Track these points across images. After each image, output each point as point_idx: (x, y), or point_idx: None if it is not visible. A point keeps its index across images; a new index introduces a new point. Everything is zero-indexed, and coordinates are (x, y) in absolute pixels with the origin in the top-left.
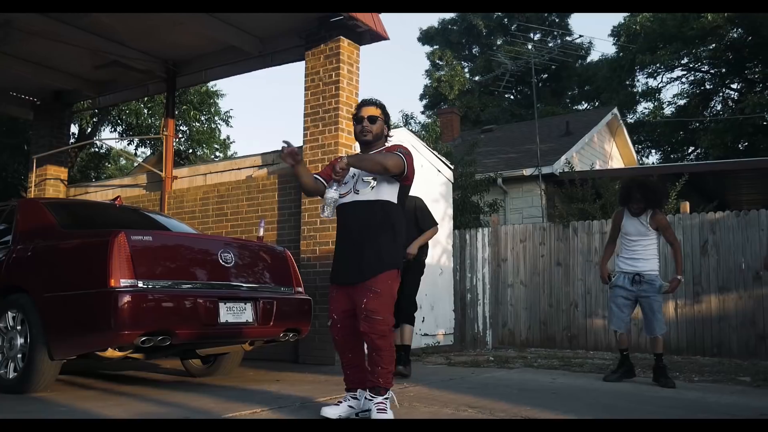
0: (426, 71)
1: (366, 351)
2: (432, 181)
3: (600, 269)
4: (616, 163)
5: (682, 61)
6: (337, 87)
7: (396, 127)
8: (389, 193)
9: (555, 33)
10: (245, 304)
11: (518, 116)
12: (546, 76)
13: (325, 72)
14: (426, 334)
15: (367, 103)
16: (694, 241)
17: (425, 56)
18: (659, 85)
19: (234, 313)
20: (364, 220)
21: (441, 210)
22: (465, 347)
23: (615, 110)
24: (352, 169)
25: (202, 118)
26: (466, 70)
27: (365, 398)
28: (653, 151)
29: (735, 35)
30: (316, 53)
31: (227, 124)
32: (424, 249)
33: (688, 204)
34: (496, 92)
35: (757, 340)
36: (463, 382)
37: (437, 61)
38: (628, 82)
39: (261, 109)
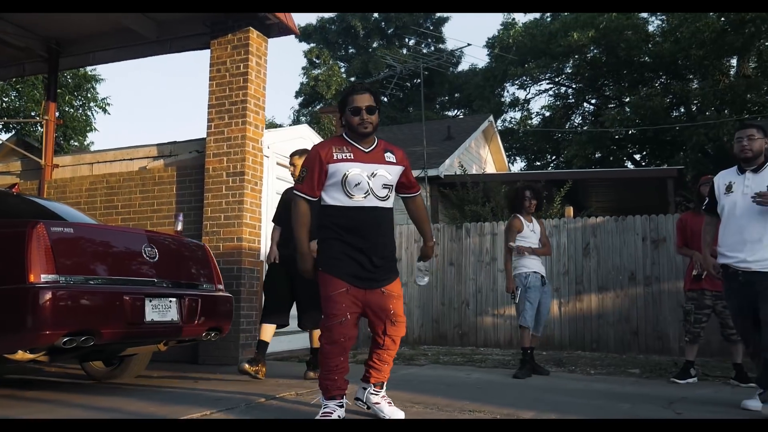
0: (303, 69)
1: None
2: None
3: (507, 278)
4: (490, 168)
5: (548, 75)
6: (246, 79)
7: (296, 123)
8: (392, 199)
9: (429, 40)
10: (170, 301)
11: (393, 119)
12: (418, 81)
13: (232, 63)
14: None
15: (359, 89)
16: (578, 244)
17: (303, 54)
18: (527, 96)
19: (160, 312)
20: (381, 224)
21: None
22: (359, 345)
23: (491, 118)
24: (364, 169)
25: (76, 104)
26: (343, 70)
27: (370, 392)
28: (518, 158)
29: (596, 54)
30: (222, 43)
31: (105, 112)
32: None
33: (572, 209)
34: (388, 93)
35: (631, 336)
36: (390, 379)
37: (315, 60)
38: (498, 92)
39: (154, 97)
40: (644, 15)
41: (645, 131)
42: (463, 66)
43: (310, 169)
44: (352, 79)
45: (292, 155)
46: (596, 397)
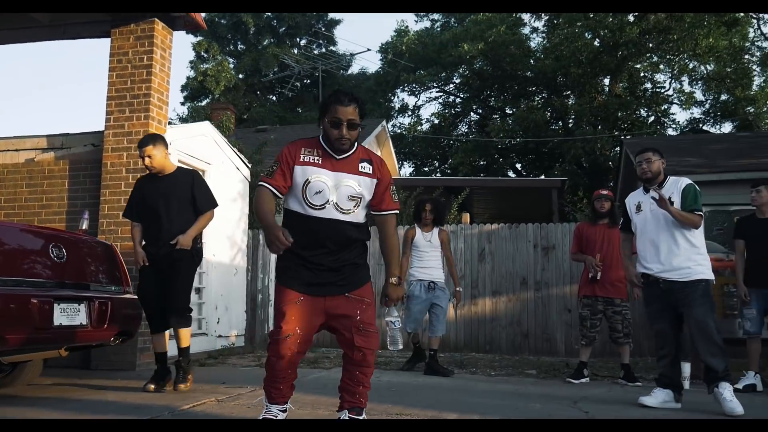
0: (191, 62)
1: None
2: (231, 179)
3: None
4: None
5: (438, 84)
6: (150, 72)
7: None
8: (362, 212)
9: (321, 42)
10: (79, 304)
11: (282, 118)
12: (309, 82)
13: (135, 54)
14: (221, 336)
15: (344, 100)
16: (474, 249)
17: (191, 46)
18: (417, 103)
19: (68, 315)
20: (342, 239)
21: (238, 209)
22: (255, 348)
23: (384, 122)
24: (330, 177)
25: None
26: (232, 66)
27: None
28: (406, 163)
29: (483, 66)
30: (125, 32)
31: None
32: (199, 234)
33: (468, 215)
34: (289, 93)
35: (522, 338)
36: (302, 383)
37: (203, 54)
38: (389, 97)
39: (45, 87)
40: (526, 31)
41: (527, 142)
42: (353, 69)
43: (282, 164)
44: (241, 76)
45: (143, 145)
46: (507, 397)
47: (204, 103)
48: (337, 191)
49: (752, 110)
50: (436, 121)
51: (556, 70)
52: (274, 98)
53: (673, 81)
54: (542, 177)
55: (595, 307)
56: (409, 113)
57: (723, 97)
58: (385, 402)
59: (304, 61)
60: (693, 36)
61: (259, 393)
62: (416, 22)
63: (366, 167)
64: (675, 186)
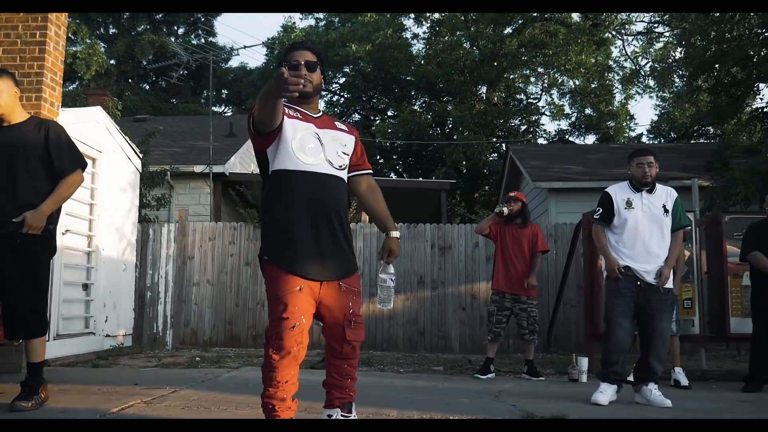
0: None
1: (330, 360)
2: (123, 169)
3: None
4: None
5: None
6: (43, 50)
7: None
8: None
9: (200, 32)
10: None
11: (158, 108)
12: (186, 72)
13: (26, 29)
14: (108, 336)
15: (300, 46)
16: (373, 248)
17: None
18: None
19: None
20: (337, 198)
21: (129, 200)
22: (143, 348)
23: None
24: (317, 132)
25: None
26: (103, 50)
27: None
28: None
29: (368, 68)
30: None
31: None
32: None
33: (367, 215)
34: (176, 82)
35: (418, 336)
36: (220, 383)
37: (72, 36)
38: None
39: None
40: (408, 36)
41: (410, 145)
42: (233, 63)
43: None
44: (113, 62)
45: None
46: (432, 393)
47: (71, 88)
48: (325, 146)
49: (613, 125)
50: None
51: (438, 76)
52: (148, 87)
53: (544, 93)
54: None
55: (503, 304)
56: None
57: (588, 111)
58: (317, 400)
59: (193, 50)
60: (566, 52)
61: (183, 393)
62: (301, 19)
63: (341, 125)
64: (666, 193)
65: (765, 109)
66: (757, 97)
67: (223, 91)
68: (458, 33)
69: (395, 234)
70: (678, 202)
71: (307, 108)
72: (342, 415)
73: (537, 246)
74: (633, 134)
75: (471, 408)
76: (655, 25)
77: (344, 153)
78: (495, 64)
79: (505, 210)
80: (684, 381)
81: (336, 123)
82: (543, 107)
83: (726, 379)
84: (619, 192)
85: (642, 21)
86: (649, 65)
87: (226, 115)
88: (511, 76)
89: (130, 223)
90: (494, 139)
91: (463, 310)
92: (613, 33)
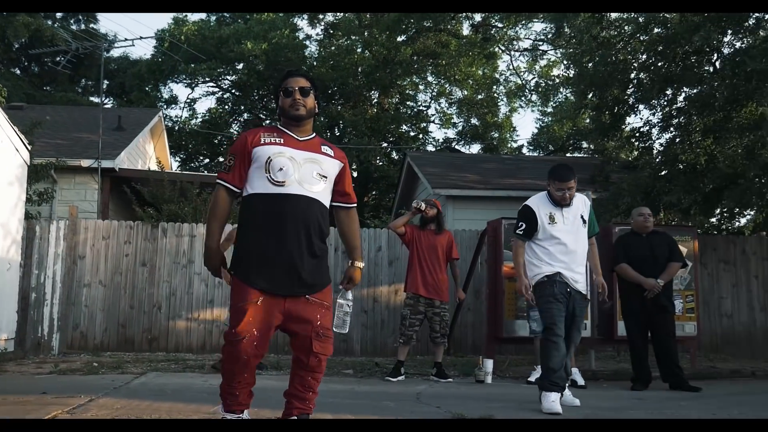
0: None
1: (295, 371)
2: (9, 161)
3: None
4: (154, 165)
5: (213, 78)
6: None
7: None
8: (327, 196)
9: (80, 17)
10: None
11: (31, 96)
12: (64, 59)
13: None
14: None
15: (294, 73)
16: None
17: None
18: (192, 96)
19: None
20: (309, 218)
21: (15, 195)
22: (27, 353)
23: (161, 113)
24: (293, 155)
25: None
26: None
27: None
28: (174, 157)
29: (260, 66)
30: None
31: None
32: None
33: None
34: (63, 70)
35: None
36: (134, 390)
37: None
38: (160, 86)
39: None
40: (301, 37)
41: None
42: (114, 53)
43: (238, 155)
44: None
45: None
46: (356, 397)
47: None
48: (300, 168)
49: (497, 135)
50: (207, 117)
51: (332, 79)
52: (19, 72)
53: (432, 102)
54: None
55: (417, 308)
56: (183, 106)
57: (474, 121)
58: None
59: (84, 37)
60: (457, 63)
61: (103, 402)
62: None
63: (327, 150)
64: (582, 203)
65: (641, 129)
66: (637, 116)
67: (104, 81)
68: (353, 37)
69: (359, 264)
70: (591, 210)
71: (298, 130)
72: None
73: (452, 253)
74: (515, 145)
75: (399, 410)
76: (540, 43)
77: (320, 175)
78: (388, 70)
79: (423, 205)
80: (581, 381)
81: (323, 147)
82: (432, 115)
83: (613, 378)
84: (541, 206)
85: (528, 39)
86: (534, 80)
87: (107, 107)
88: (404, 83)
89: (16, 220)
90: (385, 144)
91: (365, 314)
92: (502, 48)
